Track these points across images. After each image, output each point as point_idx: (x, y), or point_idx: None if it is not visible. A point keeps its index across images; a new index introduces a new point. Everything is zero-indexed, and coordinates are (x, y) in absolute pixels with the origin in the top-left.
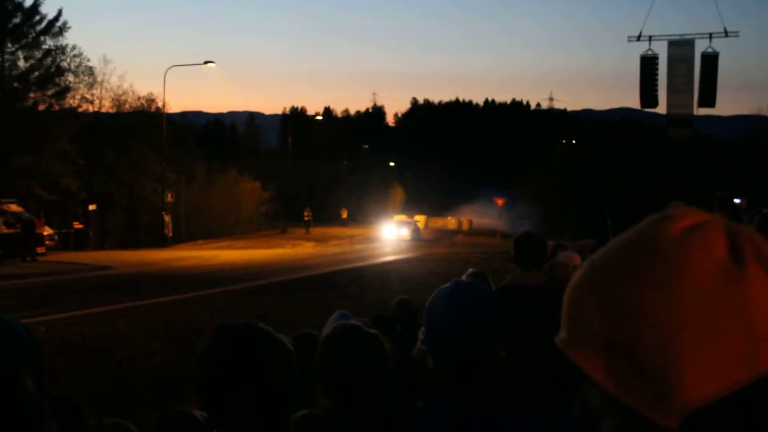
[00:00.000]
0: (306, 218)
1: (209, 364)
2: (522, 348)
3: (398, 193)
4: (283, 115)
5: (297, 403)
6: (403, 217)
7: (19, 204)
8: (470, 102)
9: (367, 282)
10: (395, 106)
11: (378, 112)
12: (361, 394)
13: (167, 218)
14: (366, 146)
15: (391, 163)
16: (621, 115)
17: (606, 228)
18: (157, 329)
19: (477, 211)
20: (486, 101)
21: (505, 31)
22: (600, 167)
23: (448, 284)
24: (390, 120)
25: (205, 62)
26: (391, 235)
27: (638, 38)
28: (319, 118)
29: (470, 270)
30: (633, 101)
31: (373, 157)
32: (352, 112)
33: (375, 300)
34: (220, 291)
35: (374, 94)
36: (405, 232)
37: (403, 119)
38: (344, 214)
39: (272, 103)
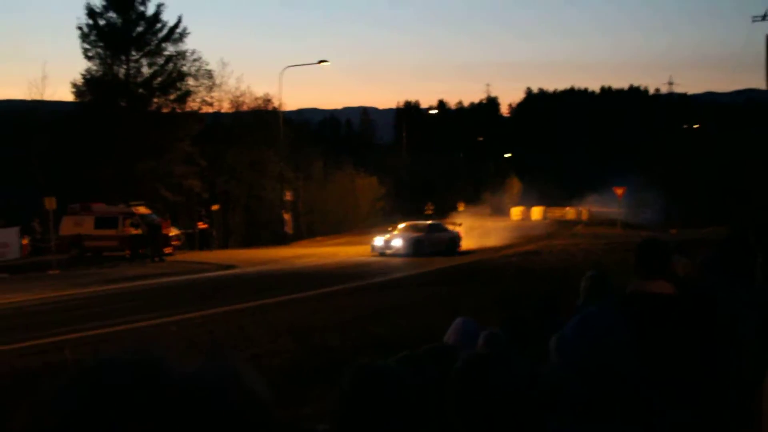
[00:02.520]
0: (428, 212)
1: (349, 408)
2: (657, 361)
3: (515, 185)
4: (397, 110)
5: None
6: (408, 224)
7: (146, 206)
8: (586, 90)
9: (487, 276)
10: (509, 97)
11: (492, 103)
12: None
13: (287, 216)
14: (480, 138)
15: (507, 154)
16: (745, 96)
17: (748, 244)
18: (282, 327)
19: (596, 200)
20: (603, 88)
21: (622, 15)
22: (724, 153)
23: (576, 318)
24: (504, 111)
25: (319, 61)
26: (380, 247)
27: (763, 17)
28: (434, 111)
29: (589, 273)
30: (758, 82)
31: (488, 148)
32: (466, 104)
33: (494, 295)
34: (340, 288)
35: (488, 85)
36: (398, 244)
37: (518, 109)
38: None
39: (386, 98)
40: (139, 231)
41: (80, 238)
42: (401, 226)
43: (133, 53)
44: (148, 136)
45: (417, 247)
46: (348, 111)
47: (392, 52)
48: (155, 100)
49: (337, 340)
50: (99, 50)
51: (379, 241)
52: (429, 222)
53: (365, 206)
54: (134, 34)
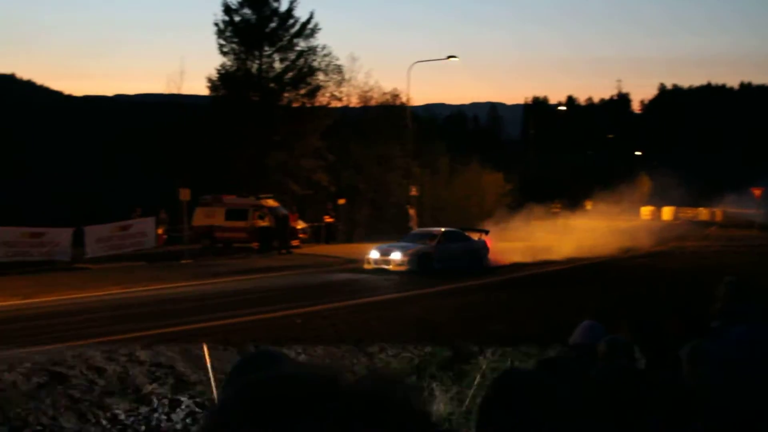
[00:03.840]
0: (555, 210)
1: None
2: None
3: (645, 183)
4: (525, 105)
5: None
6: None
7: (275, 199)
8: (723, 86)
9: (612, 277)
10: (641, 93)
11: (623, 99)
12: None
13: (412, 211)
14: (610, 136)
15: (638, 152)
16: None
17: None
18: (407, 323)
19: (732, 201)
20: (742, 84)
21: (760, 6)
22: None
23: (738, 334)
24: (636, 107)
25: (448, 57)
26: (376, 260)
27: None
28: (562, 108)
29: (728, 278)
30: None
31: (618, 146)
32: (596, 100)
33: (620, 297)
34: (461, 286)
35: (619, 81)
36: (398, 257)
37: (650, 106)
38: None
39: (514, 94)
40: (267, 223)
41: (211, 229)
42: (414, 232)
43: (266, 49)
44: (279, 130)
45: (423, 262)
46: (475, 106)
47: (521, 47)
48: (286, 94)
49: (460, 335)
50: (233, 46)
51: (375, 253)
52: (444, 229)
53: (490, 202)
54: (267, 30)
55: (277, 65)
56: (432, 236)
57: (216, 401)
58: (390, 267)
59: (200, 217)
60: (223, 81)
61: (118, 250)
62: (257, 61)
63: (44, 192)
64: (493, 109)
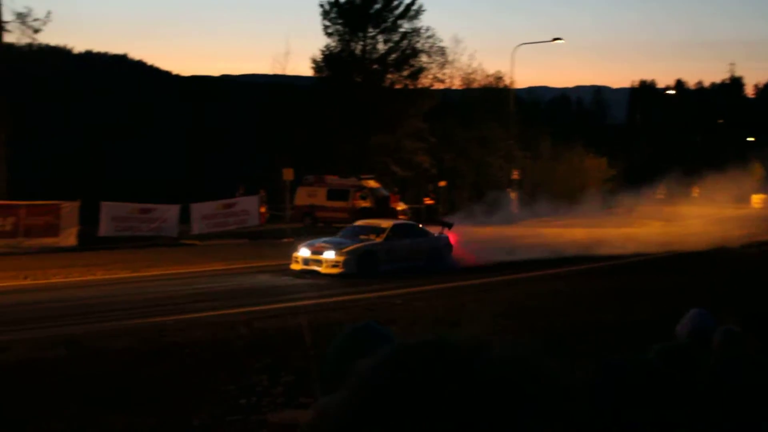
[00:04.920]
0: (659, 197)
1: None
2: None
3: (757, 171)
4: (631, 89)
5: None
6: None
7: (376, 180)
8: None
9: (718, 266)
10: (755, 77)
11: (735, 83)
12: None
13: (513, 195)
14: (721, 121)
15: (750, 138)
16: None
17: None
18: (504, 307)
19: None
20: None
21: None
22: None
23: None
24: (749, 92)
25: (553, 39)
26: (305, 259)
27: None
28: (671, 92)
29: None
30: None
31: (728, 131)
32: (707, 84)
33: (731, 286)
34: (564, 271)
35: (731, 64)
36: (331, 256)
37: (764, 90)
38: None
39: (620, 77)
40: (368, 204)
41: (313, 208)
42: (354, 226)
43: (370, 30)
44: (381, 112)
45: (365, 263)
46: (580, 89)
47: (628, 29)
48: (389, 76)
49: (561, 323)
50: (338, 27)
51: (305, 250)
52: (393, 222)
53: (593, 188)
54: (372, 11)
55: (381, 46)
56: (379, 230)
57: (320, 374)
58: (321, 269)
59: (302, 197)
60: (328, 62)
61: (222, 227)
62: (361, 43)
63: (151, 169)
64: (598, 92)
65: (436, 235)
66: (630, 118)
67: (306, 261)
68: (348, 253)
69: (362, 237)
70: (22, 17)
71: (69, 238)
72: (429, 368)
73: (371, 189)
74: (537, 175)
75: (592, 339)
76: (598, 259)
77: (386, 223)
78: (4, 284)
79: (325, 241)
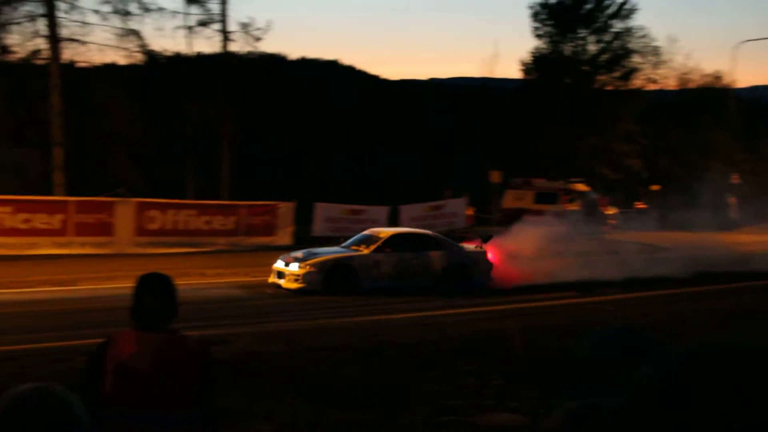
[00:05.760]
0: None
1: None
2: None
3: None
4: None
5: None
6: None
7: (585, 183)
8: None
9: None
10: None
11: None
12: None
13: (732, 200)
14: None
15: None
16: None
17: None
18: (724, 316)
19: None
20: None
21: None
22: None
23: None
24: None
25: None
26: (278, 270)
27: None
28: None
29: None
30: None
31: None
32: None
33: None
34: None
35: None
36: (294, 269)
37: None
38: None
39: None
40: (575, 207)
41: (520, 212)
42: (357, 236)
43: (580, 31)
44: (591, 114)
45: (333, 278)
46: None
47: None
48: (599, 77)
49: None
50: (548, 28)
51: (279, 261)
52: (394, 231)
53: None
54: (583, 12)
55: (592, 47)
56: (372, 240)
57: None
58: (283, 282)
59: (510, 200)
60: (537, 64)
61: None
62: (571, 44)
63: (362, 171)
64: None
65: (466, 249)
66: None
67: (279, 274)
68: (313, 265)
69: (353, 248)
70: (245, 27)
71: (285, 237)
72: (729, 372)
73: (580, 192)
74: (760, 178)
75: None
76: None
77: (385, 233)
78: (225, 280)
79: (303, 252)
